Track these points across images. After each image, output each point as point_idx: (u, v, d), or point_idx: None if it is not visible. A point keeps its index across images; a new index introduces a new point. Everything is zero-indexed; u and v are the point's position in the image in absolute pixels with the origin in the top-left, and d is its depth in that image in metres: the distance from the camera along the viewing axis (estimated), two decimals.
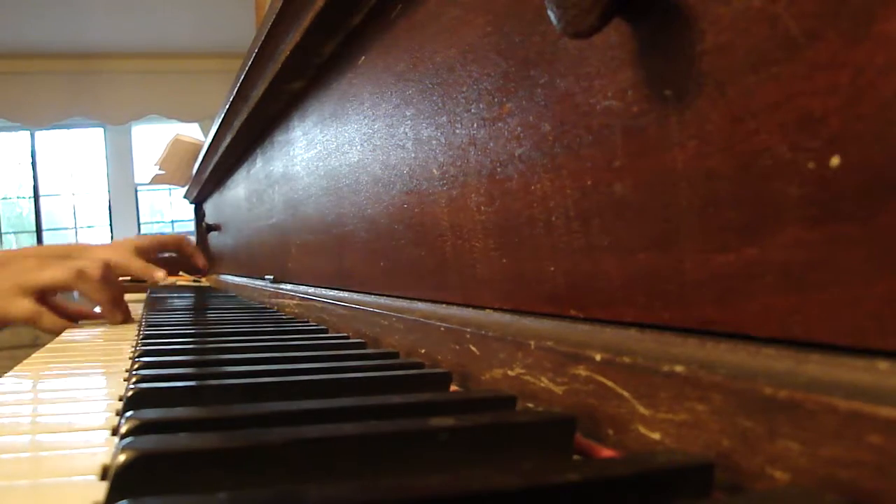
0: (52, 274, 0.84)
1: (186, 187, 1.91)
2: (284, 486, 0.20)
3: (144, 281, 0.97)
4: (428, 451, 0.24)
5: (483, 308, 0.38)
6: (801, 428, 0.18)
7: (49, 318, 0.83)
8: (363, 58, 0.55)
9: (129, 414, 0.27)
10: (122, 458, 0.20)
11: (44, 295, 0.85)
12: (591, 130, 0.27)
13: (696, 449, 0.21)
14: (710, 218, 0.22)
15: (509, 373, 0.33)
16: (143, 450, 0.21)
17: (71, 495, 0.22)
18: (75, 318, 0.93)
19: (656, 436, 0.23)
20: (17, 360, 0.54)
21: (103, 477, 0.24)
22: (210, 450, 0.22)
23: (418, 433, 0.24)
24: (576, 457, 0.26)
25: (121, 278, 0.95)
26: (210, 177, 1.50)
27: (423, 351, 0.44)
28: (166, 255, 1.20)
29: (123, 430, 0.25)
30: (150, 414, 0.27)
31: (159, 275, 0.94)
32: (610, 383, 0.26)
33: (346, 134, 0.61)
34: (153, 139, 5.32)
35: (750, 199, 0.20)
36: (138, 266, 0.94)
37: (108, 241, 5.34)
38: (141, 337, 0.59)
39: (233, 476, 0.22)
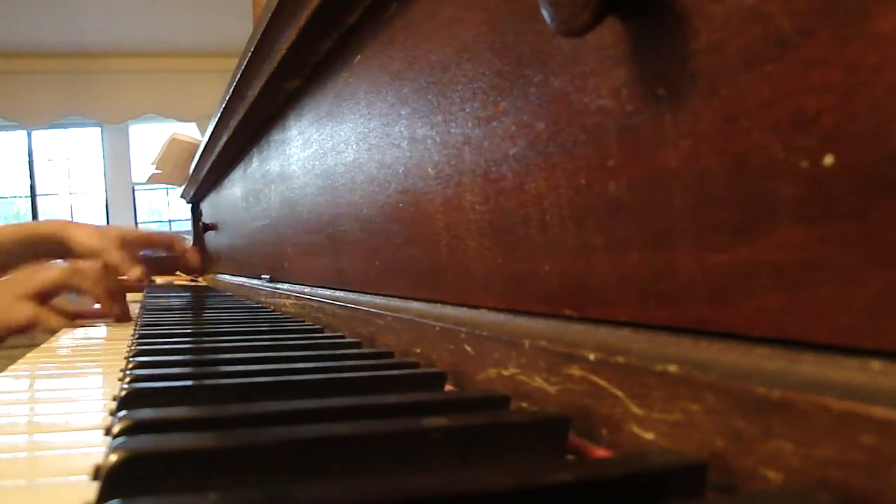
0: (48, 275, 0.84)
1: (183, 187, 1.91)
2: (276, 487, 0.20)
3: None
4: (422, 451, 0.24)
5: (478, 307, 0.38)
6: (794, 428, 0.18)
7: (53, 319, 0.83)
8: (359, 56, 0.55)
9: (121, 414, 0.27)
10: (113, 458, 0.20)
11: (43, 297, 0.85)
12: (585, 129, 0.27)
13: (689, 449, 0.21)
14: (704, 217, 0.22)
15: (503, 372, 0.33)
16: (135, 450, 0.21)
17: (63, 495, 0.22)
18: (74, 318, 0.92)
19: (650, 436, 0.23)
20: (13, 360, 0.54)
21: (95, 477, 0.24)
22: (203, 450, 0.22)
23: (412, 433, 0.24)
24: (569, 457, 0.26)
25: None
26: (207, 176, 1.50)
27: (418, 350, 0.44)
28: (160, 254, 1.19)
29: (116, 429, 0.25)
30: (143, 414, 0.27)
31: (135, 272, 0.92)
32: (604, 383, 0.26)
33: (342, 133, 0.61)
34: (150, 138, 5.31)
35: (743, 198, 0.20)
36: (117, 258, 0.93)
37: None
38: (136, 336, 0.59)
39: (225, 476, 0.22)
